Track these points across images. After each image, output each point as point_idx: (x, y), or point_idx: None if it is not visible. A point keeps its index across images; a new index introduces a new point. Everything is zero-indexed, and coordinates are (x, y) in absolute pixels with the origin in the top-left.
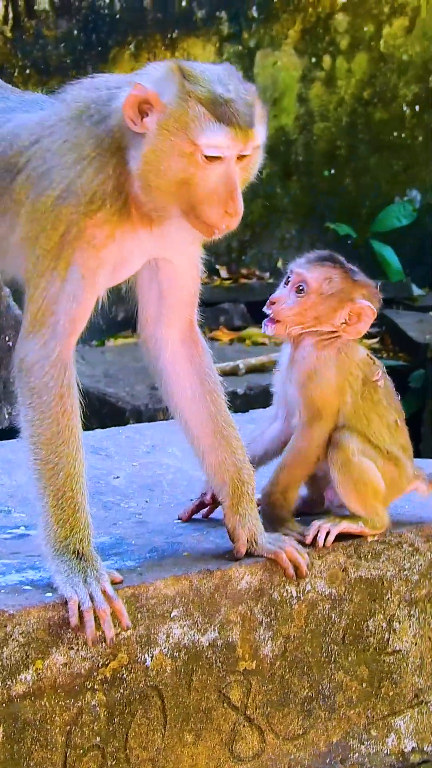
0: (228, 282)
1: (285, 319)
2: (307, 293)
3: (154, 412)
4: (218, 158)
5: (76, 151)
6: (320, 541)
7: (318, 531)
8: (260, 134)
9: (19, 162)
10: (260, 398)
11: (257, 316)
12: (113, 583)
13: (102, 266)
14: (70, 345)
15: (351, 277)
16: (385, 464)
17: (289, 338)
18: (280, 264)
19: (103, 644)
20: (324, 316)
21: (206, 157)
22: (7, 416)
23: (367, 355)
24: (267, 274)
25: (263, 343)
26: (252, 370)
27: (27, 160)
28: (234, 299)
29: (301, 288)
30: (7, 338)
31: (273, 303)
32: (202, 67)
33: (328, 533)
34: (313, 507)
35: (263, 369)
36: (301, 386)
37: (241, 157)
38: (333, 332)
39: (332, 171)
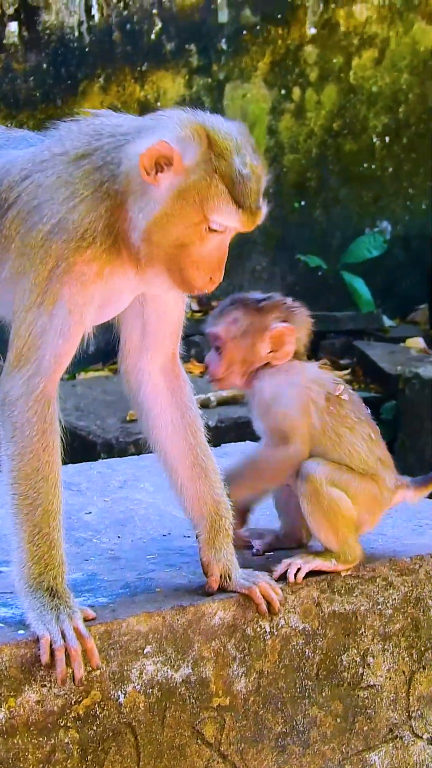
0: (199, 314)
1: (221, 377)
2: (224, 346)
3: (125, 445)
4: (220, 232)
5: (70, 188)
6: (290, 577)
7: (288, 567)
8: (263, 215)
9: (10, 197)
10: (231, 431)
11: None
12: (86, 619)
13: (89, 303)
14: (55, 381)
15: (255, 307)
16: (362, 483)
17: (238, 386)
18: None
19: (72, 684)
20: (249, 356)
21: (210, 229)
22: None
23: (323, 370)
24: None
25: None
26: (223, 402)
27: (17, 195)
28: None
29: (217, 345)
30: None
31: (206, 368)
32: (224, 131)
33: (298, 570)
34: (289, 542)
35: (234, 401)
36: (263, 416)
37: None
38: (268, 364)
39: (302, 203)
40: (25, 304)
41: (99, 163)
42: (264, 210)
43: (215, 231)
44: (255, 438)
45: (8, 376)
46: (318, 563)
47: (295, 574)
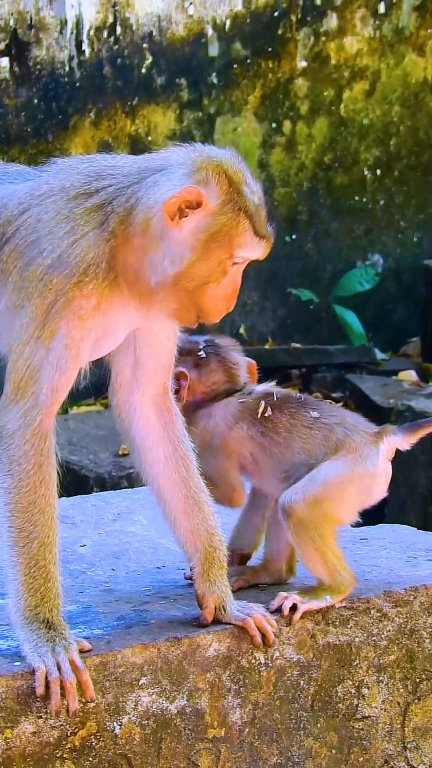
0: None
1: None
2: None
3: (117, 479)
4: (240, 264)
5: (70, 223)
6: (285, 611)
7: (284, 601)
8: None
9: (7, 231)
10: None
11: None
12: (82, 651)
13: (86, 337)
14: (52, 414)
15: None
16: (339, 468)
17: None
18: (242, 330)
19: (65, 716)
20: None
21: (234, 263)
22: None
23: (239, 402)
24: None
25: None
26: None
27: (15, 229)
28: None
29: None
30: None
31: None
32: (233, 164)
33: (294, 608)
34: (268, 576)
35: None
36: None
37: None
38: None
39: (293, 236)
40: (23, 337)
41: (101, 203)
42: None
43: (237, 264)
44: None
45: (5, 409)
46: (314, 604)
47: (292, 612)
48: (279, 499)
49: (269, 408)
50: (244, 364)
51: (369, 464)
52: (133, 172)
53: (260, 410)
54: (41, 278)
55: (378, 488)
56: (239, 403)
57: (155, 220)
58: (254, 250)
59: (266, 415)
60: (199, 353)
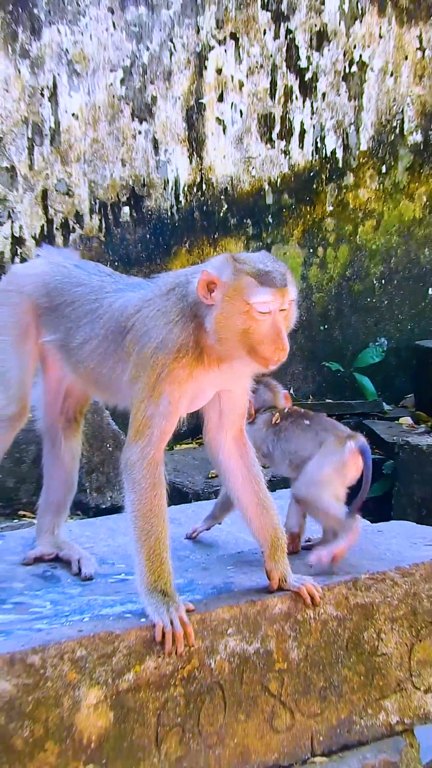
0: None
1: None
2: None
3: (208, 494)
4: (267, 312)
5: (166, 317)
6: (326, 557)
7: (319, 558)
8: (292, 292)
9: (128, 325)
10: (281, 482)
11: None
12: (187, 611)
13: (183, 396)
14: (161, 449)
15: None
16: (327, 459)
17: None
18: (291, 391)
19: (176, 656)
20: None
21: (259, 312)
22: (109, 498)
23: (268, 416)
24: None
25: None
26: None
27: (132, 324)
28: None
29: None
30: (108, 446)
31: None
32: (247, 255)
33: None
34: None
35: None
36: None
37: (282, 310)
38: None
39: (326, 326)
40: (140, 397)
41: (180, 296)
42: (291, 288)
43: (263, 313)
44: None
45: (128, 446)
46: (340, 544)
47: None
48: (291, 491)
49: (280, 418)
50: (282, 392)
51: (339, 456)
52: (192, 271)
53: (273, 419)
54: (151, 356)
55: (350, 472)
56: (265, 415)
57: (198, 300)
58: (264, 295)
59: (277, 422)
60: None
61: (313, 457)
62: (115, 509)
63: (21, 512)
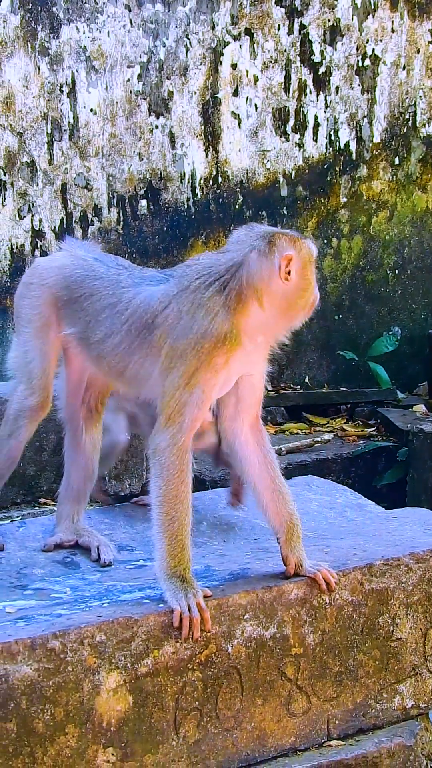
0: (272, 392)
1: None
2: None
3: (224, 482)
4: None
5: (204, 309)
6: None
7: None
8: None
9: (155, 321)
10: (296, 470)
11: (292, 415)
12: (205, 597)
13: (217, 384)
14: (190, 437)
15: None
16: None
17: None
18: (307, 379)
19: (192, 641)
20: None
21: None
22: (128, 486)
23: None
24: (298, 387)
25: (297, 433)
26: (291, 451)
27: (163, 319)
28: (276, 404)
29: None
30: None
31: None
32: (290, 233)
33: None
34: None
35: (298, 451)
36: None
37: None
38: None
39: (340, 315)
40: (174, 385)
41: (220, 288)
42: None
43: None
44: (317, 473)
45: (159, 432)
46: None
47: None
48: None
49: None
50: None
51: None
52: (226, 262)
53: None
54: (193, 347)
55: None
56: None
57: (263, 283)
58: (315, 254)
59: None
60: None
61: None
62: (134, 497)
63: (41, 500)
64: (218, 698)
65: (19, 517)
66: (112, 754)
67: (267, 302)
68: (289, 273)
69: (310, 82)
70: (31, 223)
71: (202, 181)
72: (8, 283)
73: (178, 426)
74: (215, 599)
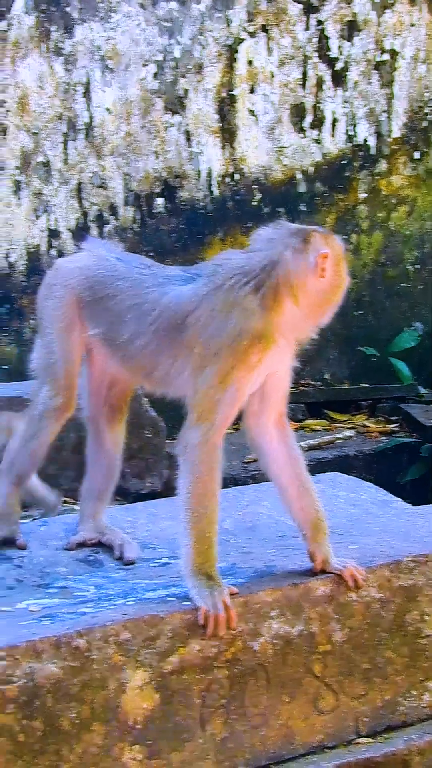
0: (292, 389)
1: None
2: None
3: (245, 479)
4: None
5: (239, 307)
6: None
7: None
8: None
9: (186, 321)
10: (318, 467)
11: (312, 412)
12: (231, 594)
13: (251, 381)
14: (222, 435)
15: None
16: None
17: None
18: (327, 376)
19: (218, 638)
20: None
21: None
22: (149, 484)
23: None
24: (318, 384)
25: (318, 430)
26: (312, 448)
27: (194, 319)
28: (296, 401)
29: None
30: (146, 432)
31: None
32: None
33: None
34: None
35: (320, 448)
36: None
37: None
38: None
39: (360, 311)
40: (208, 384)
41: (254, 287)
42: None
43: None
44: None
45: (190, 429)
46: None
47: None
48: None
49: None
50: None
51: None
52: (256, 261)
53: None
54: (229, 345)
55: None
56: None
57: (299, 281)
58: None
59: None
60: None
61: None
62: (155, 495)
63: (63, 498)
64: (245, 696)
65: (41, 516)
66: (139, 752)
67: (302, 300)
68: (323, 270)
69: (327, 78)
70: (47, 222)
71: (218, 179)
72: (24, 283)
73: (210, 424)
74: (241, 596)
